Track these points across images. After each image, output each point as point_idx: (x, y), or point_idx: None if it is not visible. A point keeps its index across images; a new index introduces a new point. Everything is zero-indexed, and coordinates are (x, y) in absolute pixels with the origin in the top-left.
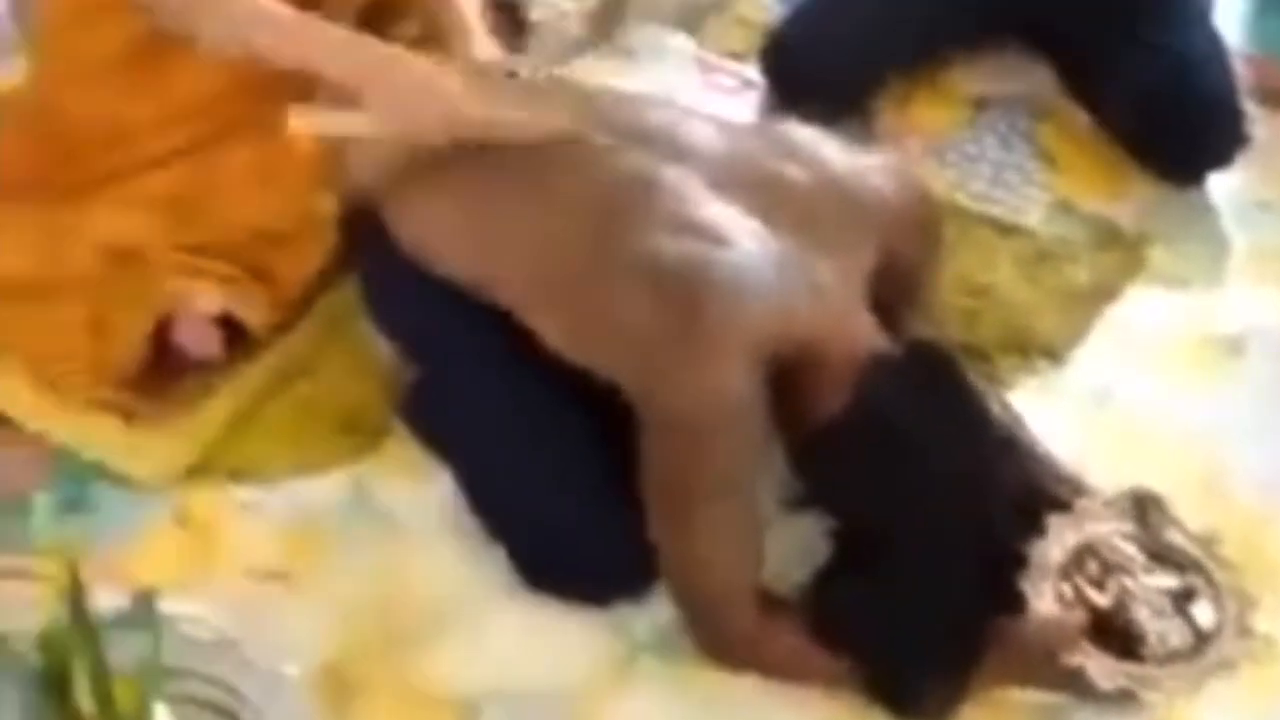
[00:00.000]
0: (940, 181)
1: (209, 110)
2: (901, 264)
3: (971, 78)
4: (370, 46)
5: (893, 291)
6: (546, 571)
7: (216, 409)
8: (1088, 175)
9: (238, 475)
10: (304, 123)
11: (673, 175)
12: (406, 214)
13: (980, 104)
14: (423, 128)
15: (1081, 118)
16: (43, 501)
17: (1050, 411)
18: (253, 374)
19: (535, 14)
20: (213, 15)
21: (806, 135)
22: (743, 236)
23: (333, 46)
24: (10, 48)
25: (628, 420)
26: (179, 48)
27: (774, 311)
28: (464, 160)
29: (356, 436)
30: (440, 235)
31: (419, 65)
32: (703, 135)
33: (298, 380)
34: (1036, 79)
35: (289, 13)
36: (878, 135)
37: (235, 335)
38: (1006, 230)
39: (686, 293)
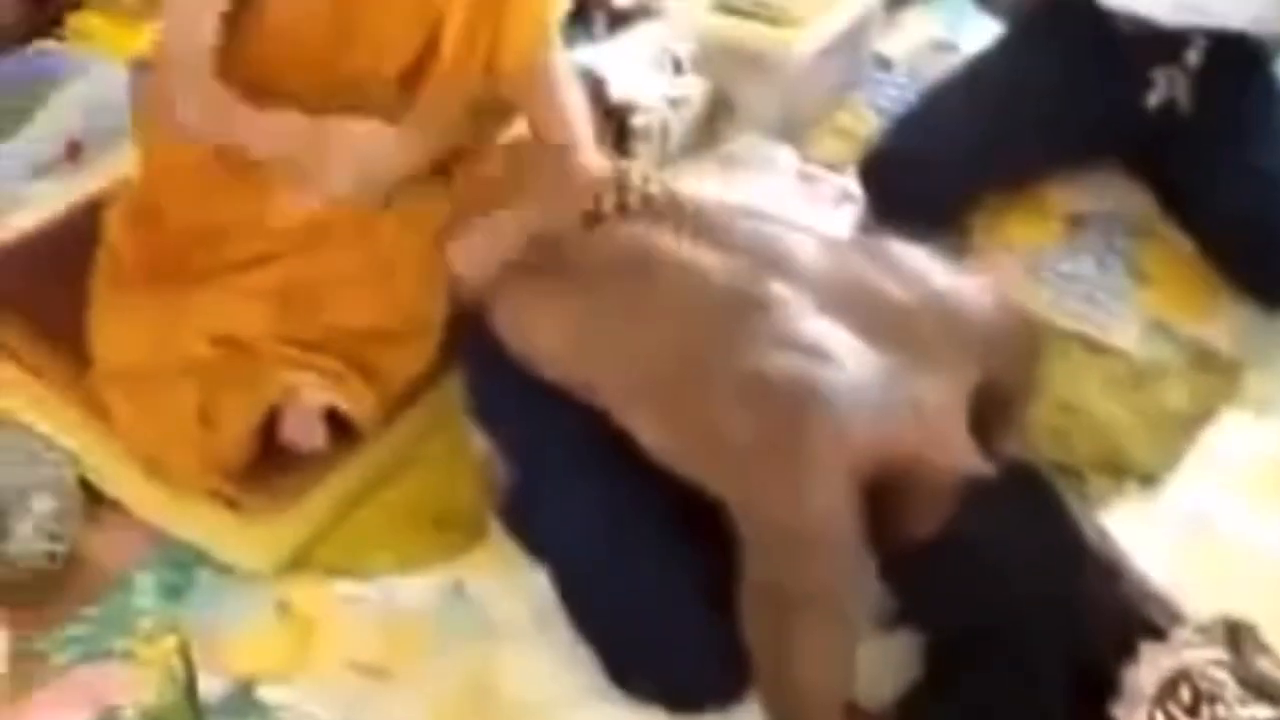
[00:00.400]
0: (1035, 299)
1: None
2: (1000, 384)
3: (1067, 195)
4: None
5: (990, 410)
6: (638, 675)
7: (320, 503)
8: (1183, 296)
9: (338, 569)
10: (463, 259)
11: (779, 291)
12: (513, 315)
13: (1076, 221)
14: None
15: (1178, 238)
16: (147, 583)
17: (1144, 535)
18: (355, 470)
19: (638, 120)
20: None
21: (910, 254)
22: (846, 354)
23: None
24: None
25: (723, 528)
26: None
27: (874, 430)
28: (572, 264)
29: (454, 534)
30: (546, 338)
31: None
32: (808, 251)
33: (399, 476)
34: (1132, 198)
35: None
36: (973, 251)
37: (340, 429)
38: (1100, 349)
39: (791, 409)
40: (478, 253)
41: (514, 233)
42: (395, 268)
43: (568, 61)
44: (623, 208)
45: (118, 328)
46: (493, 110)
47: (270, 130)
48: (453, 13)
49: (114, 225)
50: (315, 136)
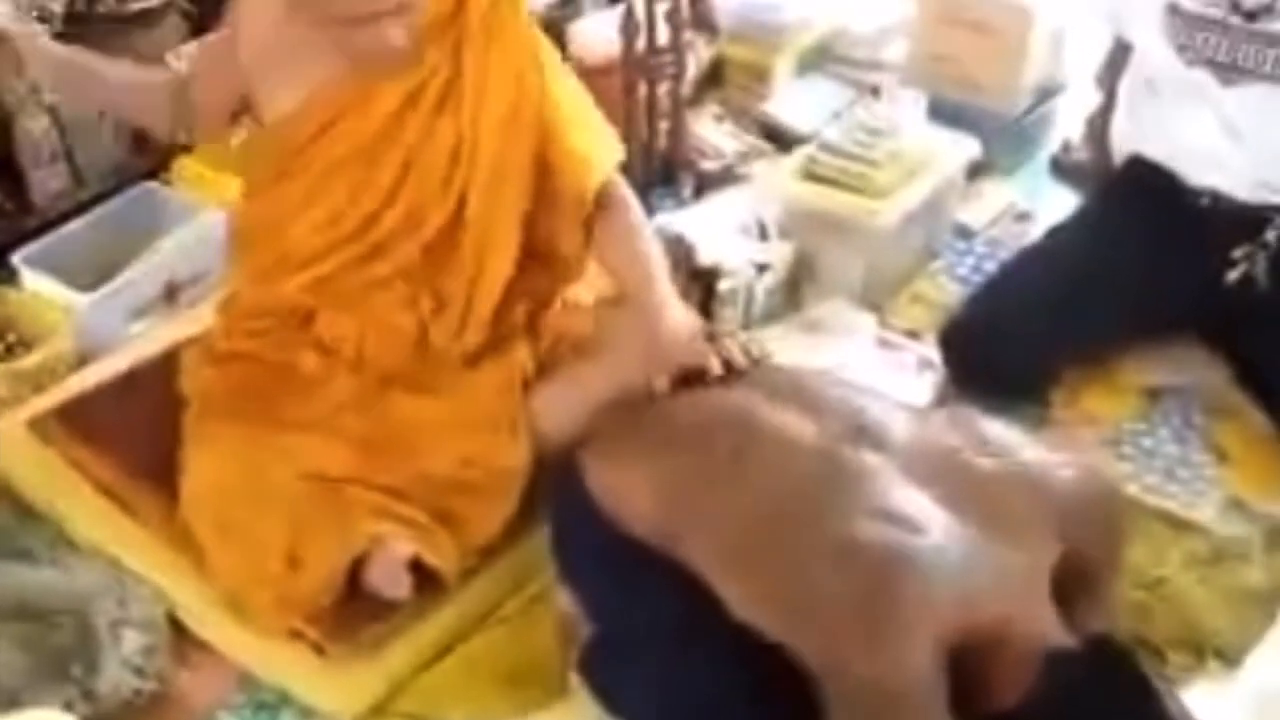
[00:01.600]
0: (1114, 472)
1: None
2: (1084, 557)
3: (1144, 368)
4: None
5: (1074, 583)
6: None
7: (401, 652)
8: (1260, 473)
9: (416, 718)
10: (547, 412)
11: (869, 460)
12: (605, 473)
13: (1153, 395)
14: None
15: (1254, 415)
16: None
17: (1224, 713)
18: (438, 622)
19: (724, 284)
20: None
21: (995, 427)
22: (934, 524)
23: None
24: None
25: (808, 700)
26: (338, 297)
27: (960, 599)
28: (666, 424)
29: (532, 690)
30: (638, 496)
31: None
32: (896, 420)
33: (480, 629)
34: (1209, 373)
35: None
36: (1052, 423)
37: (424, 578)
38: (1180, 525)
39: (883, 574)
40: (562, 406)
41: (600, 388)
42: (480, 418)
43: (636, 206)
44: (726, 372)
45: (208, 459)
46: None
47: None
48: (480, 171)
49: (198, 365)
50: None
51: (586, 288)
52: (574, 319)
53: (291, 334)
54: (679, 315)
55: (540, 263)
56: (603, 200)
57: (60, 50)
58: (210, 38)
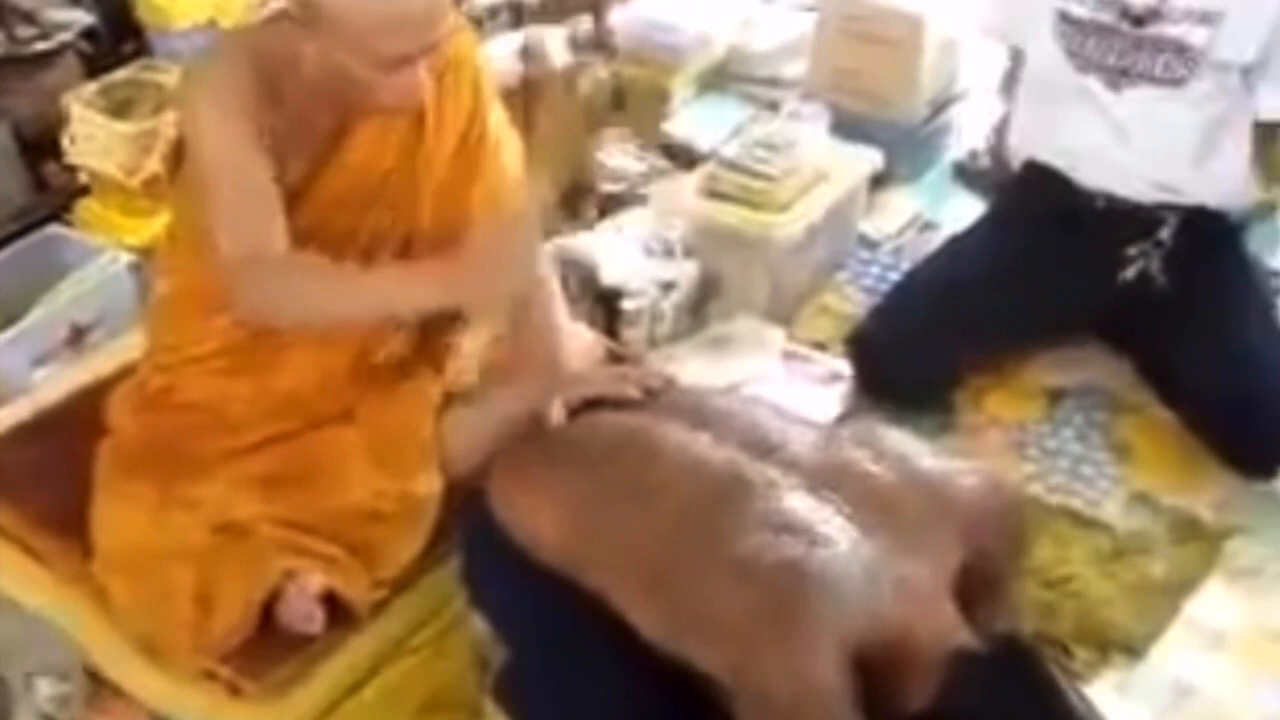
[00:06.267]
0: (1018, 474)
1: (310, 400)
2: (986, 561)
3: (1048, 370)
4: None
5: (976, 586)
6: None
7: (317, 686)
8: (1165, 468)
9: None
10: (455, 437)
11: (771, 476)
12: (510, 497)
13: (1057, 395)
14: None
15: (1158, 410)
16: None
17: (1130, 706)
18: (352, 655)
19: (629, 304)
20: (292, 301)
21: (895, 436)
22: (836, 535)
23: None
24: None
25: (720, 713)
26: (278, 342)
27: (863, 607)
28: (570, 448)
29: (448, 716)
30: (543, 520)
31: None
32: (798, 436)
33: (395, 660)
34: (1111, 372)
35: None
36: (959, 428)
37: (337, 612)
38: (1084, 522)
39: (787, 587)
40: (471, 433)
41: (507, 414)
42: (392, 448)
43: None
44: (625, 398)
45: (118, 512)
46: None
47: (388, 286)
48: (429, 201)
49: (118, 411)
50: (452, 275)
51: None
52: (480, 345)
53: (223, 378)
54: (581, 344)
55: None
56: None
57: None
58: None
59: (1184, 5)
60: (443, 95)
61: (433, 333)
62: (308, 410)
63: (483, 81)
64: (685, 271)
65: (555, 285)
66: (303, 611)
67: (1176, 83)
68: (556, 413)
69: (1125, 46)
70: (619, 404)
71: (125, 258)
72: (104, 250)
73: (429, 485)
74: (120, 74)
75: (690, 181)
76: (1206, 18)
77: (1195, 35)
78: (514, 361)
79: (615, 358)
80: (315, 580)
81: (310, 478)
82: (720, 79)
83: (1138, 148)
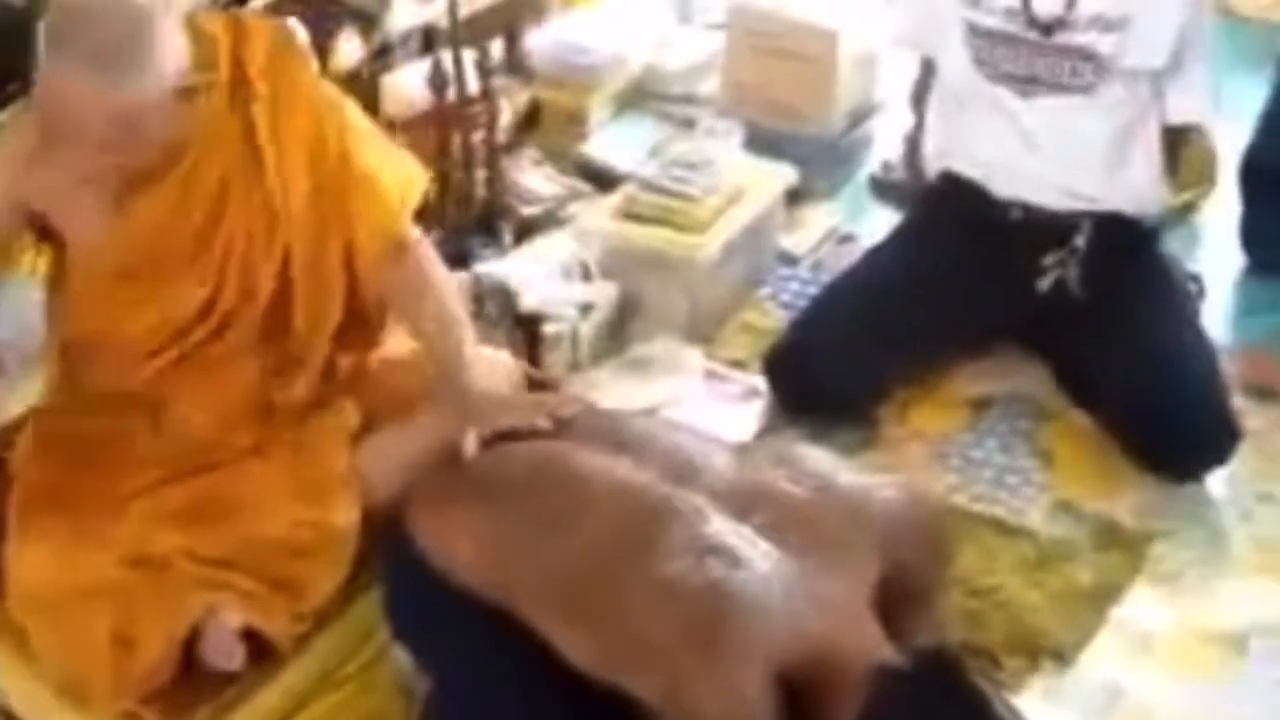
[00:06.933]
0: (942, 484)
1: (212, 434)
2: (908, 574)
3: (970, 381)
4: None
5: (899, 599)
6: None
7: None
8: (1087, 474)
9: None
10: (372, 464)
11: (690, 499)
12: (430, 527)
13: (980, 405)
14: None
15: (1080, 418)
16: None
17: (1059, 713)
18: (275, 691)
19: (549, 328)
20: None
21: (813, 455)
22: (755, 557)
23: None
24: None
25: None
26: (182, 380)
27: (786, 625)
28: (486, 479)
29: None
30: (463, 548)
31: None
32: (717, 458)
33: (318, 695)
34: (1032, 380)
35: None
36: (882, 441)
37: (259, 648)
38: (1009, 531)
39: (709, 609)
40: (388, 460)
41: (424, 440)
42: (309, 479)
43: (431, 258)
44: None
45: (29, 552)
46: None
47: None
48: (296, 227)
49: (21, 452)
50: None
51: (407, 342)
52: (395, 373)
53: (124, 414)
54: (500, 369)
55: (354, 317)
56: (394, 253)
57: None
58: None
59: (1090, 13)
60: (279, 121)
61: (349, 355)
62: (211, 444)
63: (329, 101)
64: (604, 293)
65: (464, 314)
66: (223, 649)
67: (1086, 90)
68: (470, 444)
69: (1033, 55)
70: (534, 432)
71: (28, 284)
72: (17, 283)
73: (347, 515)
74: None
75: (608, 203)
76: (1112, 25)
77: (1103, 43)
78: (433, 387)
79: (534, 384)
80: (234, 616)
81: (226, 511)
82: (636, 98)
83: (1049, 156)
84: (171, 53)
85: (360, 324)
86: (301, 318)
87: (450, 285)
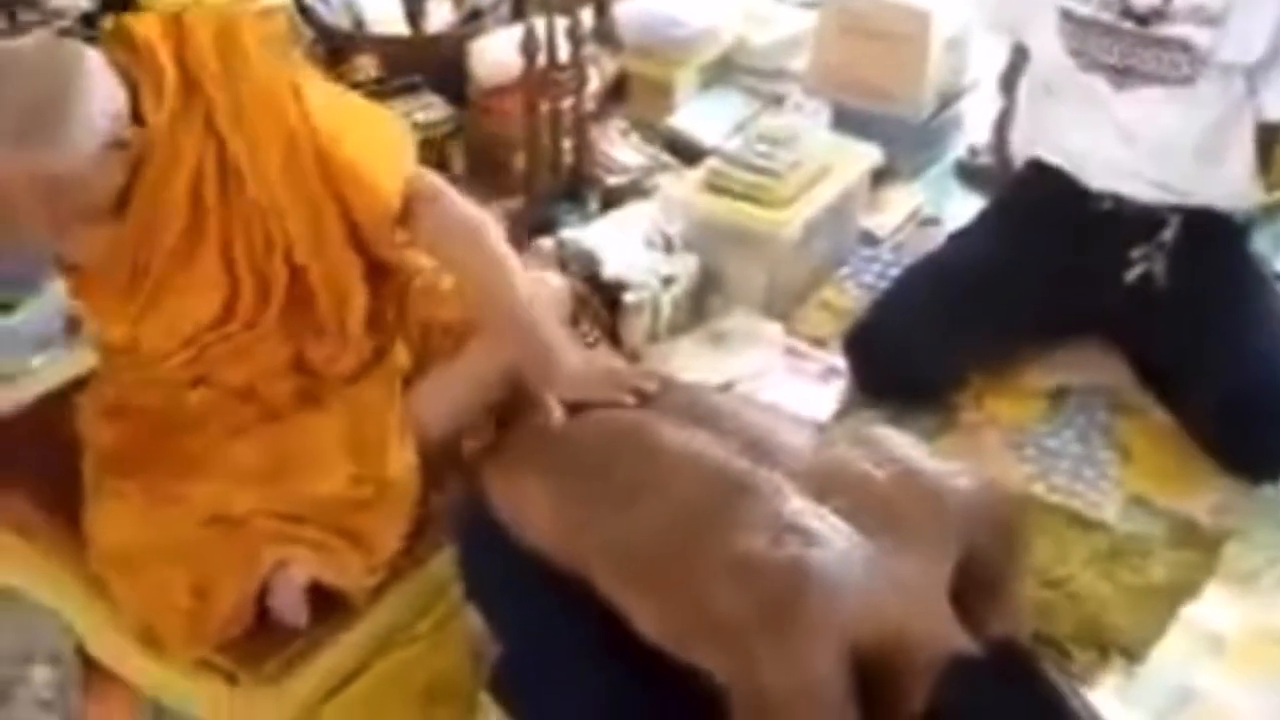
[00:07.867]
0: (1018, 474)
1: (269, 393)
2: (983, 562)
3: (1049, 371)
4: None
5: (974, 588)
6: None
7: (313, 675)
8: (1163, 471)
9: None
10: (423, 406)
11: (769, 477)
12: (507, 491)
13: (1057, 396)
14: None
15: (1157, 412)
16: None
17: (1130, 710)
18: (348, 644)
19: (630, 297)
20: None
21: (895, 440)
22: (833, 536)
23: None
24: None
25: (714, 708)
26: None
27: (861, 607)
28: (564, 447)
29: (445, 709)
30: (540, 516)
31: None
32: (796, 436)
33: (390, 649)
34: (1112, 373)
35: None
36: (958, 427)
37: (335, 600)
38: (1084, 524)
39: (784, 586)
40: (439, 399)
41: (473, 371)
42: (363, 434)
43: (454, 198)
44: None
45: (109, 515)
46: None
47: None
48: (288, 213)
49: (85, 419)
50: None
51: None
52: (439, 306)
53: (173, 383)
54: (550, 290)
55: (381, 268)
56: (412, 203)
57: None
58: None
59: (1187, 5)
60: (241, 119)
61: (388, 305)
62: (264, 398)
63: (287, 82)
64: (686, 266)
65: (506, 247)
66: (290, 604)
67: (1181, 82)
68: (554, 410)
69: (1128, 46)
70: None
71: None
72: None
73: (402, 465)
74: None
75: (693, 176)
76: (1210, 18)
77: (1199, 36)
78: (478, 316)
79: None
80: (302, 572)
81: (292, 469)
82: (725, 72)
83: (1142, 148)
84: (100, 103)
85: (395, 271)
86: (324, 297)
87: (485, 222)
